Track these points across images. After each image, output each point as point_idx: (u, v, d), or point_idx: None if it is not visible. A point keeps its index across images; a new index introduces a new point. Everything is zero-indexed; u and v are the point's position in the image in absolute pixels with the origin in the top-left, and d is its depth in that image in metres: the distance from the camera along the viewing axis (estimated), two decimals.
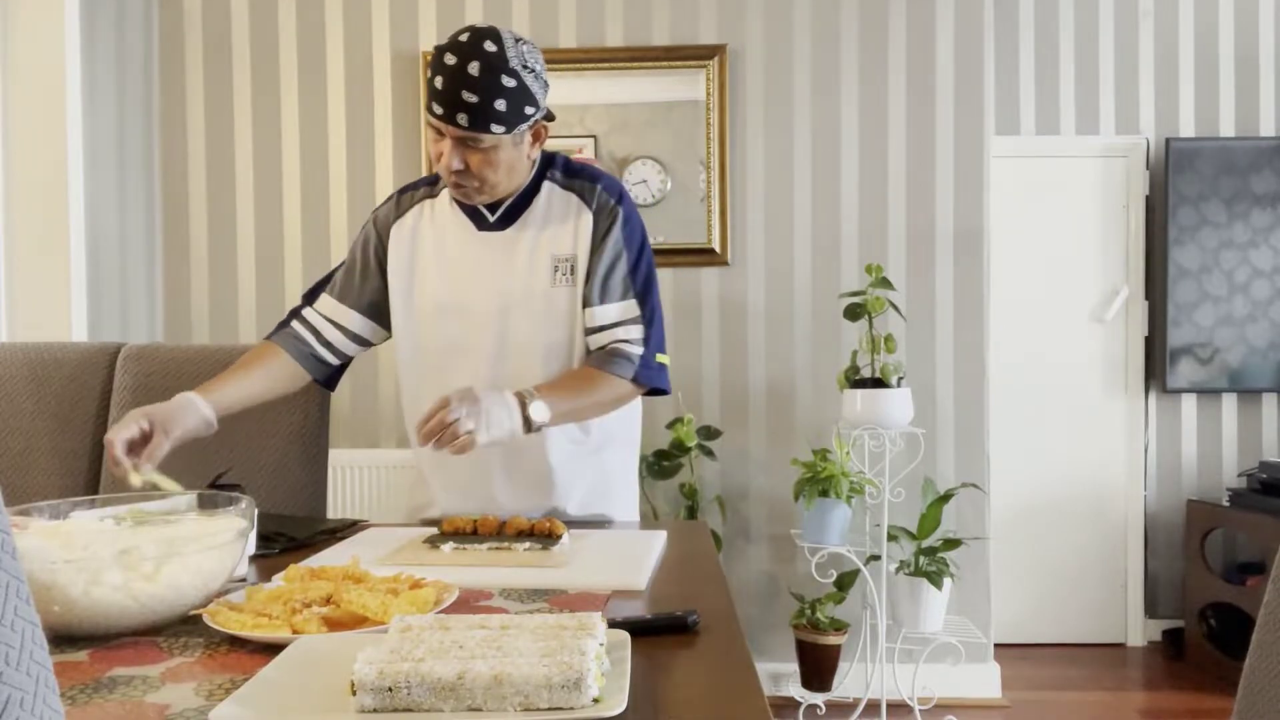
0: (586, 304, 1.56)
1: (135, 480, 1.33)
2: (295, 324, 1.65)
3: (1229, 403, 3.77)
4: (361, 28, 3.24)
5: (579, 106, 3.19)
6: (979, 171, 3.19)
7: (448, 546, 1.33)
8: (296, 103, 3.26)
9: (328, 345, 1.64)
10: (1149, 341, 3.77)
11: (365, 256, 1.64)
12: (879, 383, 2.88)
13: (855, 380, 2.91)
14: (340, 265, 1.69)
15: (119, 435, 1.34)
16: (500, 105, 1.42)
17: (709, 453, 3.11)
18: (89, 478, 1.87)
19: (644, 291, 1.59)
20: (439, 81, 1.42)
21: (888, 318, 3.03)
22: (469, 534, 1.37)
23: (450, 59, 1.41)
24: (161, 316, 3.28)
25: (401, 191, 1.67)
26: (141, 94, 3.18)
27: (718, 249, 3.19)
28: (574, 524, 1.56)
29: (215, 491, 1.28)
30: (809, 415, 3.22)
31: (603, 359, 1.55)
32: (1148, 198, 3.77)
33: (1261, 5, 3.72)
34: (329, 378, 1.68)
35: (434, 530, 1.43)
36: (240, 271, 3.28)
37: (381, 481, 3.10)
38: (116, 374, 1.90)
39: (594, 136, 3.20)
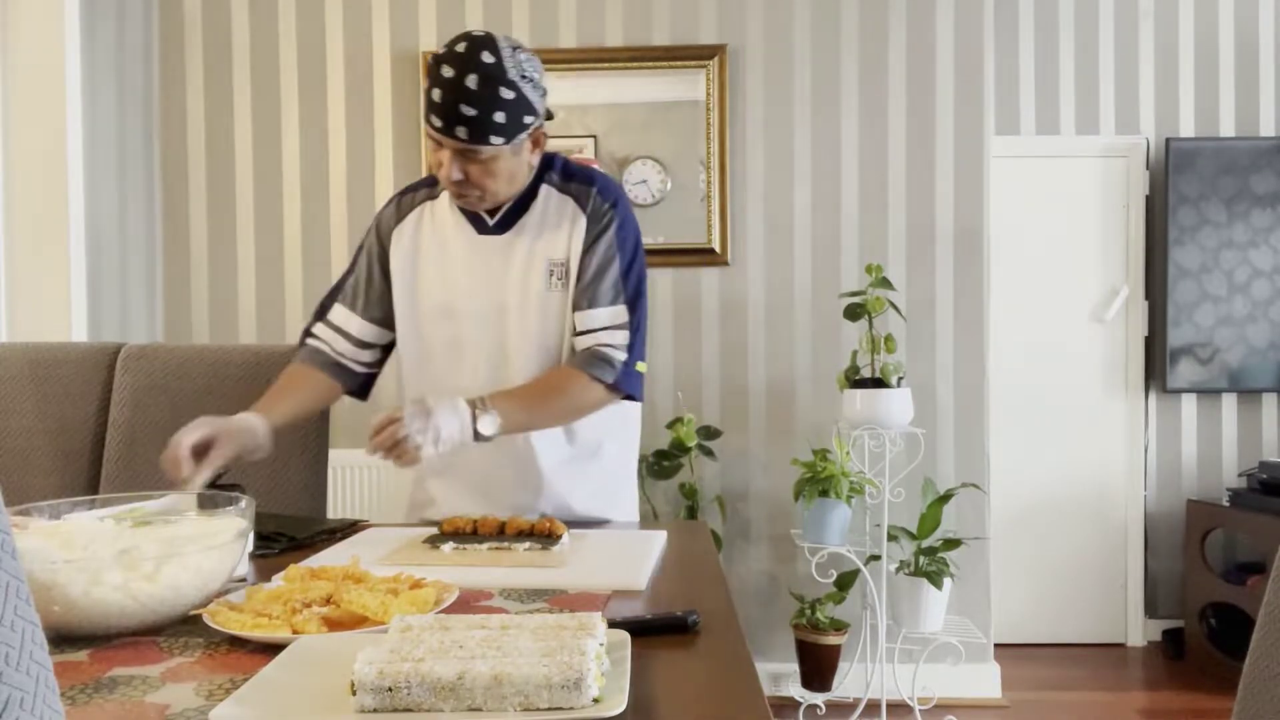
0: (576, 307, 1.58)
1: (185, 484, 1.34)
2: (310, 341, 1.68)
3: (1229, 403, 3.77)
4: (361, 28, 3.24)
5: (579, 106, 3.19)
6: (979, 171, 3.19)
7: (448, 546, 1.33)
8: (296, 103, 3.26)
9: (342, 355, 1.66)
10: (1149, 341, 3.77)
11: (369, 264, 1.67)
12: (879, 383, 2.88)
13: (855, 380, 2.91)
14: (347, 272, 1.71)
15: (186, 437, 1.36)
16: (499, 117, 1.42)
17: (709, 453, 3.11)
18: (89, 478, 1.87)
19: (634, 298, 1.60)
20: (436, 94, 1.42)
21: (888, 318, 3.03)
22: (469, 534, 1.37)
23: (447, 71, 1.40)
24: (161, 316, 3.28)
25: (402, 194, 1.69)
26: (141, 93, 3.18)
27: (718, 249, 3.19)
28: (574, 524, 1.57)
29: (215, 491, 1.28)
30: (809, 415, 3.22)
31: (585, 360, 1.55)
32: (1148, 198, 3.77)
33: (1261, 5, 3.72)
34: (360, 387, 1.69)
35: (434, 530, 1.43)
36: (240, 271, 3.28)
37: (381, 481, 3.10)
38: (116, 374, 1.90)
39: (594, 136, 3.20)
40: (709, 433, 3.12)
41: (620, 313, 1.58)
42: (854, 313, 2.93)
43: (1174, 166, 3.65)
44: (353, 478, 3.10)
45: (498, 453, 1.56)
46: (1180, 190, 3.66)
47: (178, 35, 3.27)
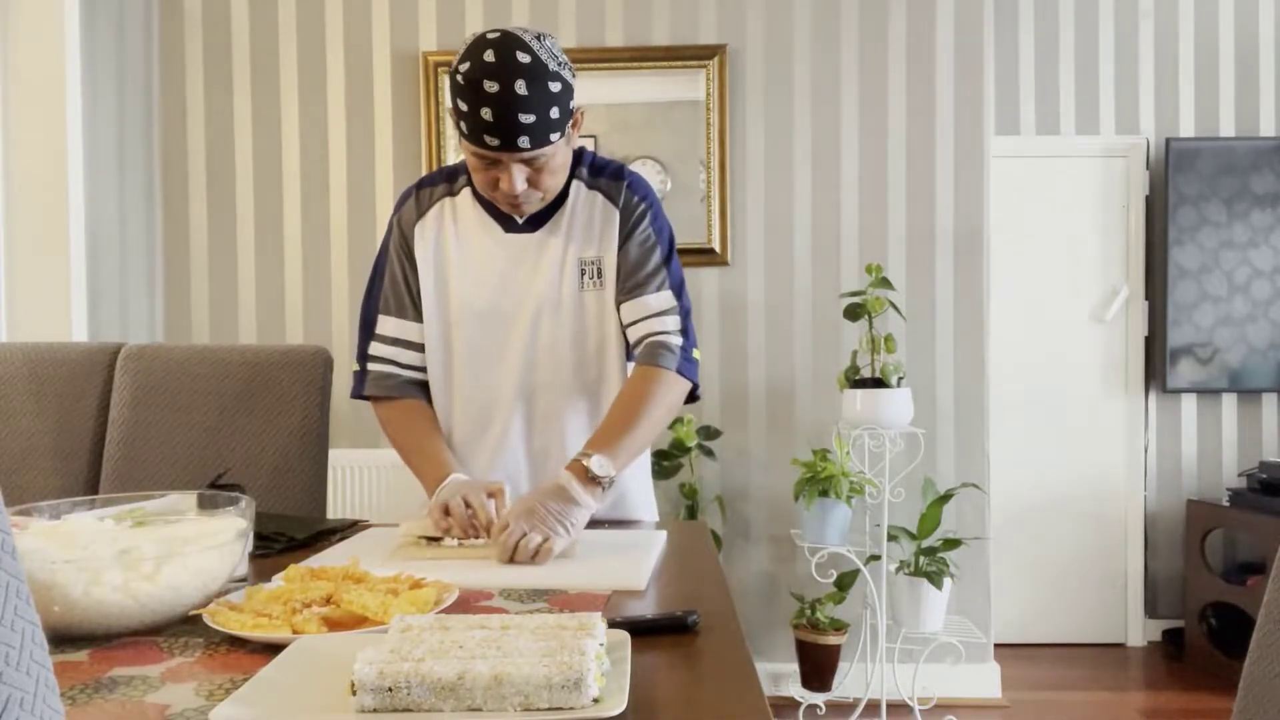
0: (622, 299, 1.54)
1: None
2: (372, 366, 1.58)
3: (1229, 403, 3.77)
4: (361, 28, 3.24)
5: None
6: (979, 171, 3.19)
7: (451, 541, 1.33)
8: (296, 102, 3.26)
9: (409, 368, 1.58)
10: (1149, 341, 3.77)
11: (401, 264, 1.58)
12: (879, 383, 2.88)
13: (855, 380, 2.91)
14: (376, 279, 1.61)
15: (485, 498, 1.34)
16: (554, 114, 1.37)
17: (709, 453, 3.11)
18: (89, 478, 1.87)
19: (678, 286, 1.56)
20: (487, 112, 1.34)
21: (888, 318, 3.03)
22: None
23: (491, 86, 1.32)
24: (161, 316, 3.28)
25: (419, 186, 1.60)
26: (141, 94, 3.18)
27: (718, 249, 3.19)
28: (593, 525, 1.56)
29: (215, 491, 1.28)
30: (809, 415, 3.22)
31: (648, 354, 1.51)
32: (1148, 198, 3.77)
33: (1261, 5, 3.72)
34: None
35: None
36: (240, 271, 3.28)
37: (381, 481, 3.10)
38: (116, 374, 1.90)
39: (594, 136, 3.20)
40: (709, 433, 3.12)
41: (667, 298, 1.54)
42: (854, 313, 2.93)
43: (1174, 166, 3.65)
44: (353, 478, 3.10)
45: (531, 471, 1.56)
46: (1180, 190, 3.66)
47: (178, 35, 3.27)
